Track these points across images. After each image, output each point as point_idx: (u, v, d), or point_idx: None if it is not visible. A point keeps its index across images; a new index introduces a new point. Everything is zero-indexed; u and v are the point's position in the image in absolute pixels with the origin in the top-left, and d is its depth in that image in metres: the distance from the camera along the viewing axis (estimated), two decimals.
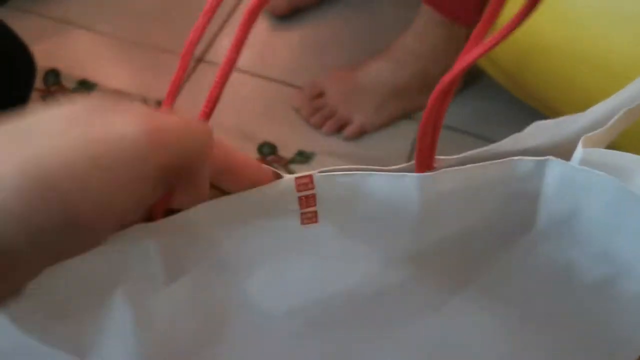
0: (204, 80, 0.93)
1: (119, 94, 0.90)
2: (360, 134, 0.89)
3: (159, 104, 0.89)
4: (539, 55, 0.67)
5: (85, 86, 0.91)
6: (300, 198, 0.31)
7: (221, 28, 1.00)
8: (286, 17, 1.02)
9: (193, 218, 0.29)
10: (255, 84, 0.94)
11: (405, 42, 0.88)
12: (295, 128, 0.89)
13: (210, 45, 0.98)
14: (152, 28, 0.99)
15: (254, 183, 0.30)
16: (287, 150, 0.86)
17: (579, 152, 0.31)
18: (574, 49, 0.64)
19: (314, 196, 0.31)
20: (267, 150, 0.86)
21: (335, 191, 0.32)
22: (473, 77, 0.92)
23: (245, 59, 0.97)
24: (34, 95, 0.87)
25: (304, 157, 0.85)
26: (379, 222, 0.33)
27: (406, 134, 0.89)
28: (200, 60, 0.96)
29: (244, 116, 0.89)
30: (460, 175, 0.31)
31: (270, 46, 0.99)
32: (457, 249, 0.34)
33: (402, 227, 0.33)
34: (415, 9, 0.85)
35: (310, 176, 0.31)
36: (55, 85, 0.91)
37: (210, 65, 0.95)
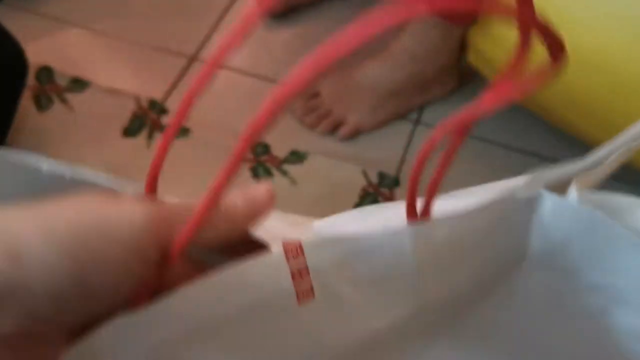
0: None
1: (112, 92, 0.89)
2: (355, 134, 0.88)
3: (152, 103, 0.89)
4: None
5: (78, 84, 0.90)
6: (292, 272, 0.29)
7: (215, 27, 0.99)
8: (282, 16, 1.01)
9: (178, 304, 0.27)
10: (249, 83, 0.94)
11: (402, 43, 0.87)
12: (289, 128, 0.89)
13: (203, 44, 0.97)
14: (147, 26, 0.99)
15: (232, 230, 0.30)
16: (280, 150, 0.85)
17: (573, 193, 0.31)
18: (575, 53, 0.63)
19: (306, 269, 0.29)
20: (260, 150, 0.85)
21: (328, 259, 0.30)
22: (468, 76, 0.91)
23: (239, 57, 0.96)
24: (26, 93, 0.87)
25: (297, 157, 0.85)
26: (377, 284, 0.31)
27: (401, 134, 0.89)
28: (194, 59, 0.95)
29: (236, 115, 0.89)
30: (453, 221, 0.31)
31: (265, 45, 0.99)
32: (455, 290, 0.34)
33: (401, 284, 0.32)
34: None
35: (298, 242, 0.29)
36: (48, 83, 0.90)
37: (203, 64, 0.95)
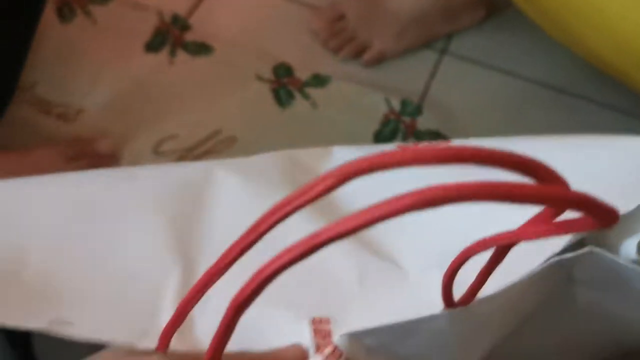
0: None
1: (136, 6, 0.88)
2: (379, 60, 0.87)
3: (175, 18, 0.88)
4: None
5: None
6: None
7: None
8: None
9: None
10: (273, 3, 0.92)
11: None
12: (312, 50, 0.87)
13: (195, 6, 0.95)
14: None
15: None
16: (302, 73, 0.85)
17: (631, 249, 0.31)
18: None
19: None
20: (283, 72, 0.84)
21: (365, 348, 0.30)
22: (495, 8, 0.89)
23: None
24: (49, 3, 0.86)
25: (319, 80, 0.84)
26: None
27: (425, 62, 0.88)
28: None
29: (260, 36, 0.87)
30: (493, 299, 0.30)
31: None
32: (500, 339, 0.34)
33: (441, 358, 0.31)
34: None
35: (334, 347, 0.29)
36: None
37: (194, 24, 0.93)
